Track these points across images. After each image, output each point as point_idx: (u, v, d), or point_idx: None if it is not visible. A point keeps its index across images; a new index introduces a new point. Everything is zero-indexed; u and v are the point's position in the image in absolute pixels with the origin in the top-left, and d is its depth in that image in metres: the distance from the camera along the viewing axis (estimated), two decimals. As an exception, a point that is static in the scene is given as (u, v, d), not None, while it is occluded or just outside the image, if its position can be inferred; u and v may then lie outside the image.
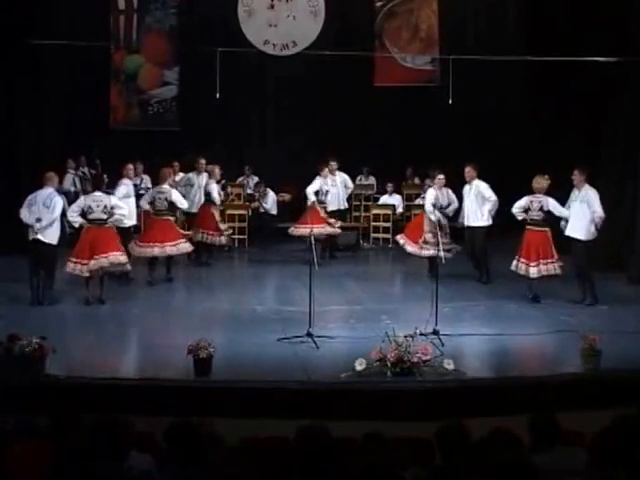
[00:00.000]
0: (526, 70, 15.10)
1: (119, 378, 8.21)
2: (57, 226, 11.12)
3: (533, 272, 11.22)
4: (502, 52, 15.24)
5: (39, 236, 10.99)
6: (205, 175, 13.97)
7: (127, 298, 11.36)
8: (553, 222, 11.35)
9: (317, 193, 14.19)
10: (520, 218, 11.45)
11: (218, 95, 14.55)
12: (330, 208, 14.42)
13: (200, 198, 13.87)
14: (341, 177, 14.81)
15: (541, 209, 11.26)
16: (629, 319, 10.27)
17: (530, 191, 11.43)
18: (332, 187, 14.49)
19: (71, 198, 15.70)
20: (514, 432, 4.64)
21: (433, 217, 12.32)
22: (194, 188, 13.90)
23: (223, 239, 13.94)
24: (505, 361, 9.23)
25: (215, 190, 13.89)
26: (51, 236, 11.06)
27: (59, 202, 11.22)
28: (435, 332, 9.15)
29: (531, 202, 11.34)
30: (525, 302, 11.21)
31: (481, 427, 4.69)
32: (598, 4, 13.26)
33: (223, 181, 15.27)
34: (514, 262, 11.39)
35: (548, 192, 11.43)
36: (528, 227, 11.38)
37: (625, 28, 12.93)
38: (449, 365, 8.27)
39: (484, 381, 8.33)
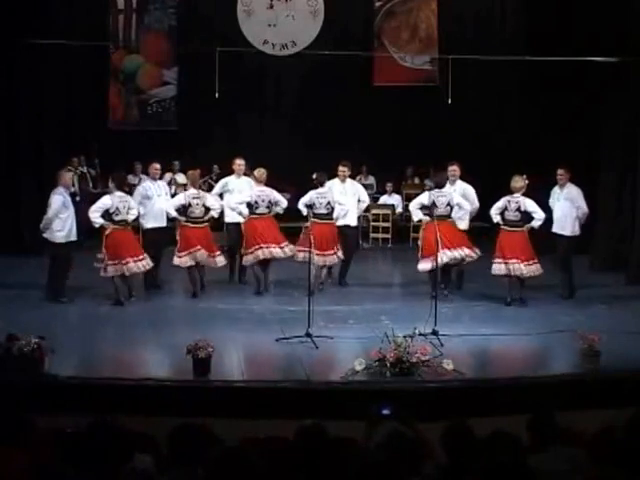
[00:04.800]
0: (525, 70, 15.10)
1: (118, 378, 8.20)
2: (57, 224, 11.00)
3: (510, 269, 11.11)
4: (501, 52, 15.27)
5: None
6: (247, 179, 12.41)
7: (126, 298, 11.33)
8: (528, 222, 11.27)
9: (312, 206, 11.89)
10: (495, 221, 11.32)
11: (217, 95, 14.56)
12: (337, 223, 12.05)
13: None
14: (354, 188, 12.56)
15: (518, 209, 11.17)
16: (629, 319, 10.26)
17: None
18: (340, 197, 12.08)
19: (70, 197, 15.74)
20: (514, 432, 4.63)
21: (415, 217, 11.85)
22: (233, 195, 12.29)
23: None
24: (504, 361, 9.24)
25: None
26: (49, 235, 11.05)
27: (54, 201, 11.04)
28: (434, 332, 9.14)
29: (508, 202, 11.22)
30: (523, 302, 11.20)
31: (481, 427, 4.68)
32: (597, 4, 13.27)
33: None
34: (493, 266, 11.23)
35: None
36: (503, 227, 11.28)
37: (624, 28, 12.94)
38: (448, 365, 8.27)
39: (483, 381, 8.33)
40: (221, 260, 11.86)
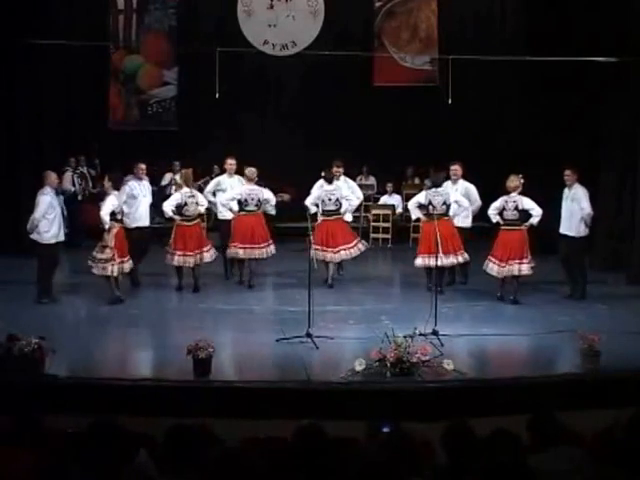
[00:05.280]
0: (525, 70, 15.11)
1: (118, 378, 8.21)
2: (44, 225, 10.99)
3: (501, 272, 11.25)
4: (501, 52, 15.25)
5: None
6: (238, 178, 12.77)
7: (127, 298, 11.34)
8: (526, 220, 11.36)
9: (319, 204, 12.26)
10: (495, 221, 11.46)
11: (217, 95, 14.56)
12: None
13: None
14: (347, 185, 13.01)
15: (516, 208, 11.28)
16: (629, 319, 10.26)
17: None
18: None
19: (69, 196, 15.76)
20: (514, 432, 4.63)
21: (413, 216, 12.32)
22: (226, 193, 12.59)
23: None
24: (504, 361, 9.24)
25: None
26: (37, 236, 11.04)
27: (42, 201, 11.00)
28: (434, 332, 9.15)
29: (506, 202, 11.35)
30: (523, 302, 11.20)
31: (481, 427, 4.69)
32: (597, 4, 13.27)
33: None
34: (486, 262, 11.39)
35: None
36: (503, 228, 11.39)
37: (624, 28, 12.94)
38: (448, 365, 8.28)
39: (483, 381, 8.33)
40: (211, 255, 12.06)
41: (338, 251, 12.15)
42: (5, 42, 13.61)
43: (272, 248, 12.30)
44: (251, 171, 12.31)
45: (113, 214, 11.08)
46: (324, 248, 11.96)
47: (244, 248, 12.09)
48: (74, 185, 15.99)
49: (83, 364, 8.65)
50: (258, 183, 15.13)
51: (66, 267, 12.37)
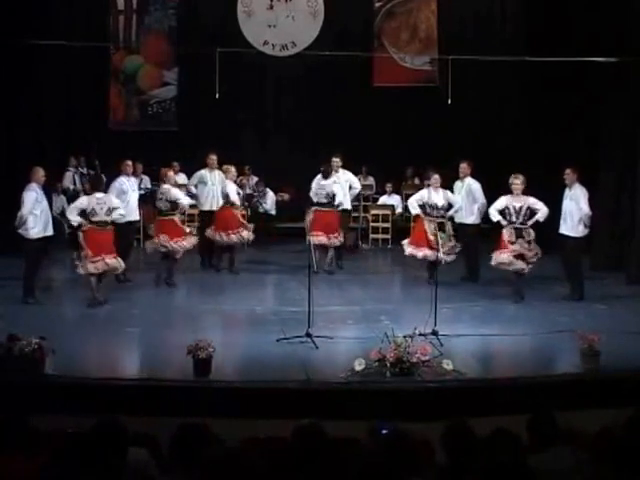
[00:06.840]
0: (525, 70, 15.13)
1: (118, 378, 8.21)
2: (31, 221, 10.97)
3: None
4: (501, 52, 15.26)
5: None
6: (218, 172, 13.53)
7: (127, 298, 11.35)
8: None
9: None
10: (495, 220, 11.59)
11: (217, 95, 14.57)
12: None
13: (215, 196, 13.53)
14: (346, 176, 13.80)
15: (528, 209, 11.40)
16: (629, 319, 10.27)
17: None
18: (334, 185, 13.42)
19: (70, 196, 15.77)
20: (514, 432, 4.63)
21: (413, 211, 12.68)
22: (207, 186, 13.57)
23: (245, 234, 13.41)
24: (504, 361, 9.25)
25: (233, 191, 13.34)
26: (24, 232, 11.02)
27: (27, 197, 10.97)
28: (434, 332, 9.15)
29: (510, 204, 11.48)
30: (523, 302, 11.21)
31: (481, 427, 4.69)
32: (597, 4, 13.27)
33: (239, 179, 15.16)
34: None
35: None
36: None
37: (624, 28, 12.94)
38: (448, 365, 8.28)
39: (483, 381, 8.33)
40: (188, 242, 12.50)
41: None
42: (5, 42, 13.60)
43: (245, 233, 13.26)
44: (225, 167, 13.49)
45: (84, 213, 11.06)
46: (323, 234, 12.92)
47: (219, 235, 13.09)
48: (75, 184, 16.00)
49: (83, 364, 8.65)
50: (258, 183, 15.46)
51: (67, 266, 12.37)
